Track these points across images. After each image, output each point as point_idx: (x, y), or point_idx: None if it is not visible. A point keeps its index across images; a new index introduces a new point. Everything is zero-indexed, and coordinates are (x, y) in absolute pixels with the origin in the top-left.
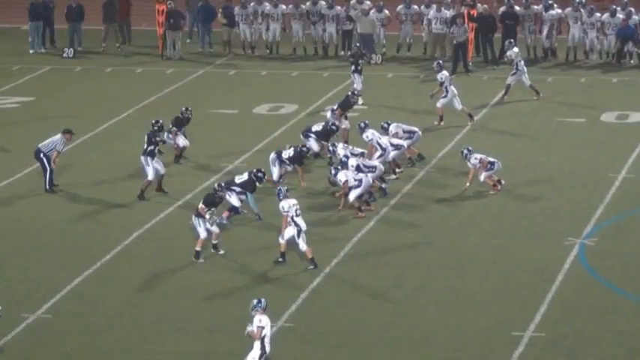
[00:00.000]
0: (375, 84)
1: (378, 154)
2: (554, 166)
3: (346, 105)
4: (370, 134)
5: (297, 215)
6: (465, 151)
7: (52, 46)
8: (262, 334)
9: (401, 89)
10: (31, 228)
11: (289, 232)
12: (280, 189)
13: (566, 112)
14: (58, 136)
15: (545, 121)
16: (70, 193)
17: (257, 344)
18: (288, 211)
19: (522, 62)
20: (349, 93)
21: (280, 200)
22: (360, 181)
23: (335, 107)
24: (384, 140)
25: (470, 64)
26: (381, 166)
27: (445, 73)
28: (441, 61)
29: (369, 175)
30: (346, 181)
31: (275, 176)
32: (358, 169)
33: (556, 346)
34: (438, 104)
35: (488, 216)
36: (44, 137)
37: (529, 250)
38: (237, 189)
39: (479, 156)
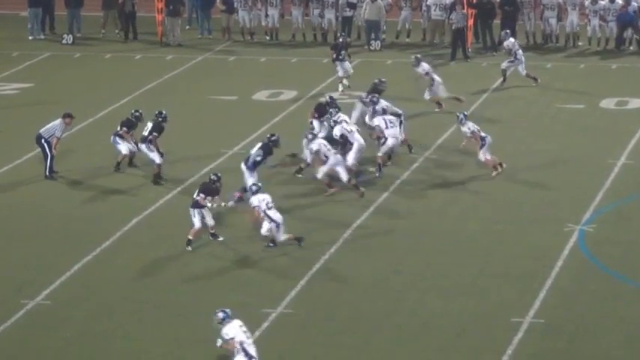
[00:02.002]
0: (373, 71)
1: None
2: (554, 153)
3: (375, 91)
4: (471, 126)
5: (269, 209)
6: (461, 116)
7: (51, 32)
8: (237, 343)
9: (400, 76)
10: (31, 214)
11: (266, 226)
12: (252, 186)
13: (565, 98)
14: (58, 120)
15: (544, 108)
16: (70, 179)
17: (238, 355)
18: (258, 205)
19: (521, 51)
20: (376, 81)
21: (252, 194)
22: (328, 158)
23: (365, 95)
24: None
25: (469, 50)
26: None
27: (425, 65)
28: (418, 55)
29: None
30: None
31: (309, 159)
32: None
33: (555, 333)
34: (426, 95)
35: (488, 202)
36: (43, 124)
37: (529, 237)
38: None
39: (472, 127)
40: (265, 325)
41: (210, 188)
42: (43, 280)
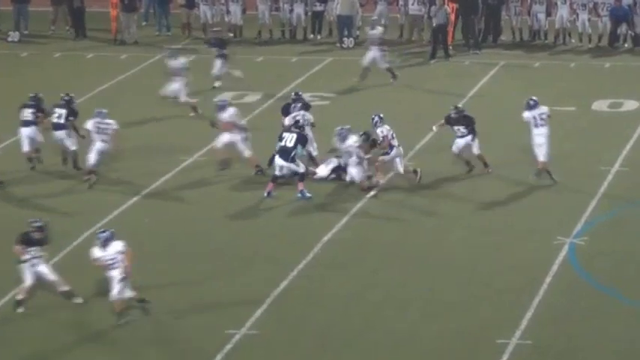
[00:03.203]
0: (346, 70)
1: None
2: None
3: None
4: (385, 130)
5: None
6: (376, 118)
7: None
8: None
9: (374, 76)
10: None
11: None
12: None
13: (554, 99)
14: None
15: None
16: (14, 186)
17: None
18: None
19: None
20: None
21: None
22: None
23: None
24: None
25: (450, 48)
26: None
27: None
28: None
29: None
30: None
31: (344, 158)
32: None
33: (544, 354)
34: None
35: (470, 212)
36: None
37: (515, 250)
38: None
39: (386, 131)
40: (228, 347)
41: (31, 238)
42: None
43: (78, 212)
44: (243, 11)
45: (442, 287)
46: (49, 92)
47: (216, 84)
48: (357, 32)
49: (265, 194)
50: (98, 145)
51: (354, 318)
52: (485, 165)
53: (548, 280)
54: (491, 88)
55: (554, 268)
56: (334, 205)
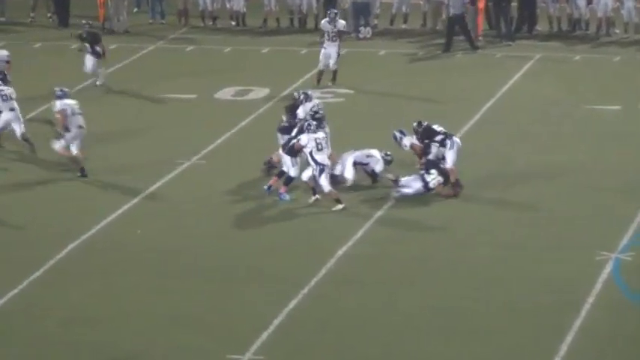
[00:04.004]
0: (363, 63)
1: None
2: (582, 164)
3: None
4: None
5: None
6: (398, 135)
7: None
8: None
9: (394, 69)
10: None
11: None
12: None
13: (596, 97)
14: None
15: (570, 109)
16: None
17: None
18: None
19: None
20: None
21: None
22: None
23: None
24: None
25: (480, 39)
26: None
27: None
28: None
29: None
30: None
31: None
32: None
33: None
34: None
35: (498, 224)
36: None
37: (552, 266)
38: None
39: (409, 140)
40: None
41: None
42: None
43: (69, 216)
44: None
45: (468, 308)
46: (28, 87)
47: (98, 82)
48: (375, 21)
49: (266, 188)
50: None
51: (372, 343)
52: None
53: (590, 300)
54: (525, 85)
55: (597, 286)
56: (350, 215)
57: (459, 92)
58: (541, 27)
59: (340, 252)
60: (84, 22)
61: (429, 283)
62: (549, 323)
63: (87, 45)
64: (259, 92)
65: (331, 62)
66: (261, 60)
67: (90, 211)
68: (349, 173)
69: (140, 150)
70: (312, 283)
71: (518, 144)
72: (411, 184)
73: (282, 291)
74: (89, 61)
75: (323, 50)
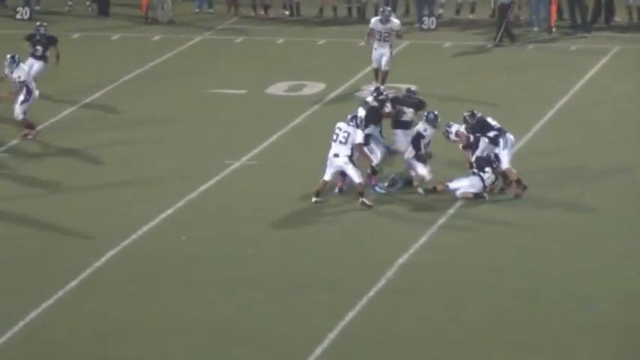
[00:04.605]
0: (426, 56)
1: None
2: None
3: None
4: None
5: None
6: (446, 127)
7: (1, 4)
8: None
9: (459, 62)
10: None
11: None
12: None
13: None
14: None
15: None
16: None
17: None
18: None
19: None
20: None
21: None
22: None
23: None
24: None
25: (553, 30)
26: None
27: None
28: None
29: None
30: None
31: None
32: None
33: None
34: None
35: (568, 232)
36: None
37: (627, 277)
38: None
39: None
40: None
41: None
42: None
43: (110, 223)
44: None
45: (537, 321)
46: (64, 81)
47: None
48: (440, 10)
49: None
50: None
51: (433, 357)
52: None
53: None
54: (602, 80)
55: None
56: (410, 221)
57: (530, 87)
58: (619, 17)
59: (401, 260)
60: (38, 23)
61: (495, 295)
62: (626, 338)
63: (39, 47)
64: (314, 87)
65: (383, 62)
66: (316, 52)
67: (133, 215)
68: (423, 169)
69: (186, 150)
70: (371, 293)
71: (593, 144)
72: (468, 184)
73: (337, 302)
74: (35, 66)
75: (374, 51)
